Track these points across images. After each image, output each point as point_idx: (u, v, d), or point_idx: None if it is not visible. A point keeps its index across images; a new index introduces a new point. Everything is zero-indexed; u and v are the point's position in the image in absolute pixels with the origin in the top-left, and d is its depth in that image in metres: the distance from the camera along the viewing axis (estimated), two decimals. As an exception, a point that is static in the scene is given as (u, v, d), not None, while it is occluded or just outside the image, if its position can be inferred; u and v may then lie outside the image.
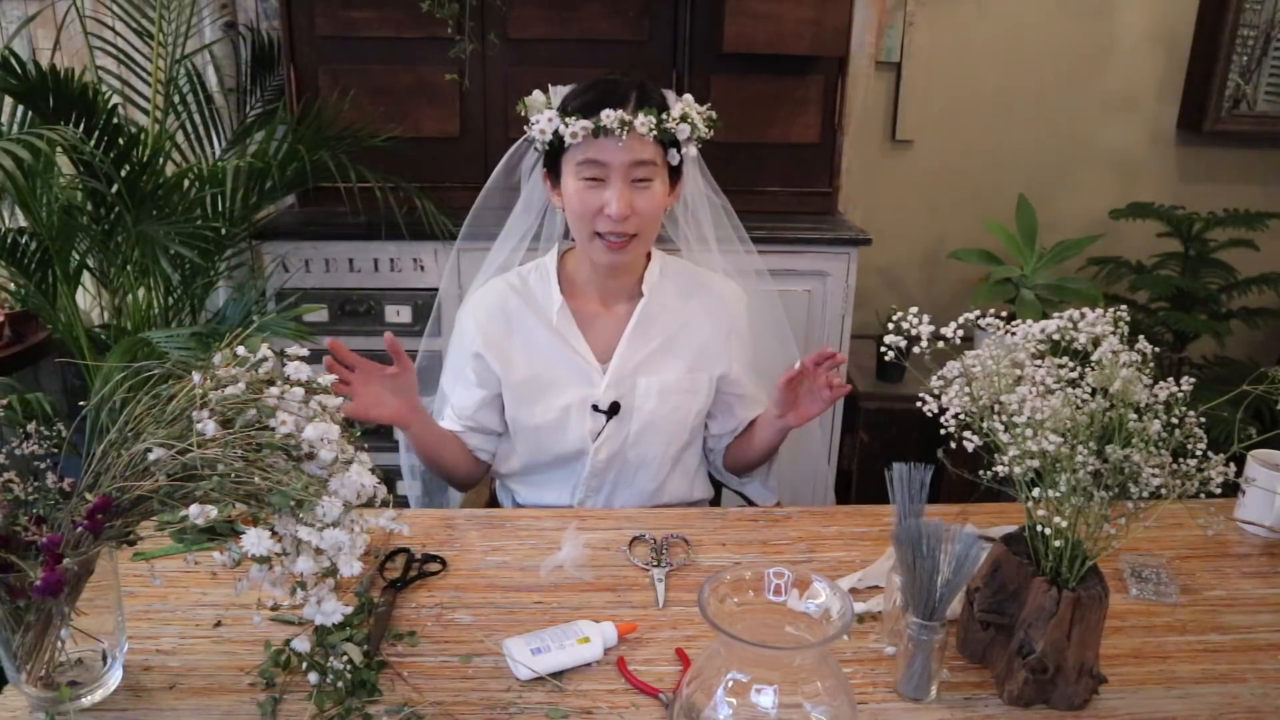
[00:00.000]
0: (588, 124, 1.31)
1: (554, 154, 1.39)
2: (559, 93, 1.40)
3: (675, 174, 1.42)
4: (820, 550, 1.31)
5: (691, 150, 1.40)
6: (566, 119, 1.33)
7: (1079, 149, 3.04)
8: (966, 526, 1.00)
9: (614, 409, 1.46)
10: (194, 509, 0.85)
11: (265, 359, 0.95)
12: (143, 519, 0.92)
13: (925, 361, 1.03)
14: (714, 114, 1.42)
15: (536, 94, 1.40)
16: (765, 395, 1.56)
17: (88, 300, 2.49)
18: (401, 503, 1.66)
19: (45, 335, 2.40)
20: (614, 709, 0.99)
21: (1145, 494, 0.94)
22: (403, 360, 1.34)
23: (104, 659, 0.99)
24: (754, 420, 1.55)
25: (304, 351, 0.97)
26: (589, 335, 1.48)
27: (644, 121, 1.32)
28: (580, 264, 1.49)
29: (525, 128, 1.41)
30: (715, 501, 1.72)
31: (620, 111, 1.31)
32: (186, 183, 2.26)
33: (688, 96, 1.40)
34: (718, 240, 1.57)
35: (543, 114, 1.36)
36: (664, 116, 1.34)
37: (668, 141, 1.36)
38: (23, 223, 2.17)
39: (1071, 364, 0.99)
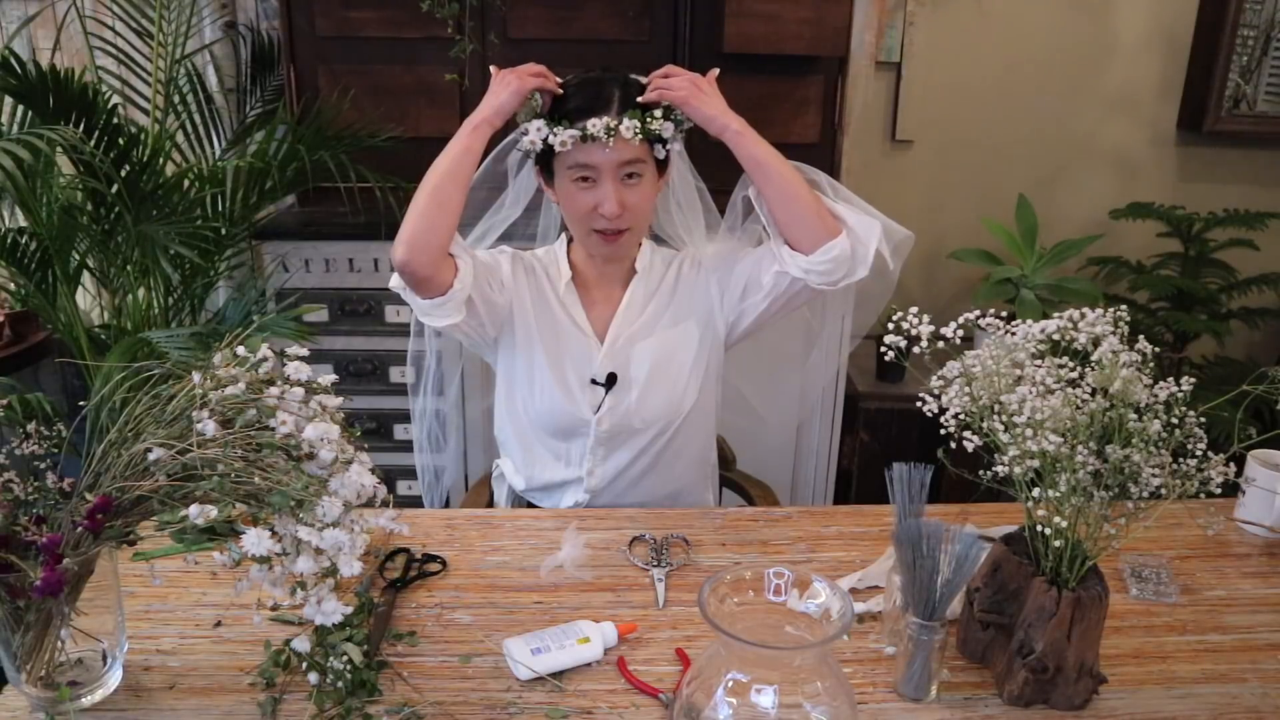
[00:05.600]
0: (575, 133, 1.35)
1: (545, 156, 1.43)
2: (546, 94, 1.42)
3: (662, 163, 1.46)
4: (820, 550, 1.31)
5: (676, 145, 1.44)
6: (554, 129, 1.37)
7: (1079, 149, 3.04)
8: (966, 526, 1.00)
9: (611, 380, 1.49)
10: (194, 509, 0.85)
11: (265, 359, 0.95)
12: (143, 519, 0.92)
13: (925, 361, 1.03)
14: None
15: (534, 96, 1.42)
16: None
17: (88, 300, 2.49)
18: (413, 502, 1.65)
19: (45, 335, 2.40)
20: (614, 709, 0.99)
21: (1145, 494, 0.94)
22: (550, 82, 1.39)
23: (104, 659, 0.99)
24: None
25: (304, 351, 0.97)
26: (589, 315, 1.53)
27: (629, 126, 1.35)
28: (580, 254, 1.54)
29: (518, 134, 1.43)
30: (724, 482, 1.73)
31: (605, 118, 1.35)
32: (186, 183, 2.26)
33: None
34: (707, 226, 1.58)
35: (531, 123, 1.39)
36: (647, 118, 1.37)
37: (653, 139, 1.40)
38: (23, 223, 2.17)
39: (1071, 364, 0.99)
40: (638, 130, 1.35)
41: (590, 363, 1.50)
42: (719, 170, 1.58)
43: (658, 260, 1.56)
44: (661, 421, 1.51)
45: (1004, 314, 1.05)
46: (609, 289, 1.54)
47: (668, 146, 1.42)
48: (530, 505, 1.58)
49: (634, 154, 1.38)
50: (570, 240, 1.55)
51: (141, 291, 2.22)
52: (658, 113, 1.38)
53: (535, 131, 1.38)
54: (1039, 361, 1.00)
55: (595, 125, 1.34)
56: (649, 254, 1.54)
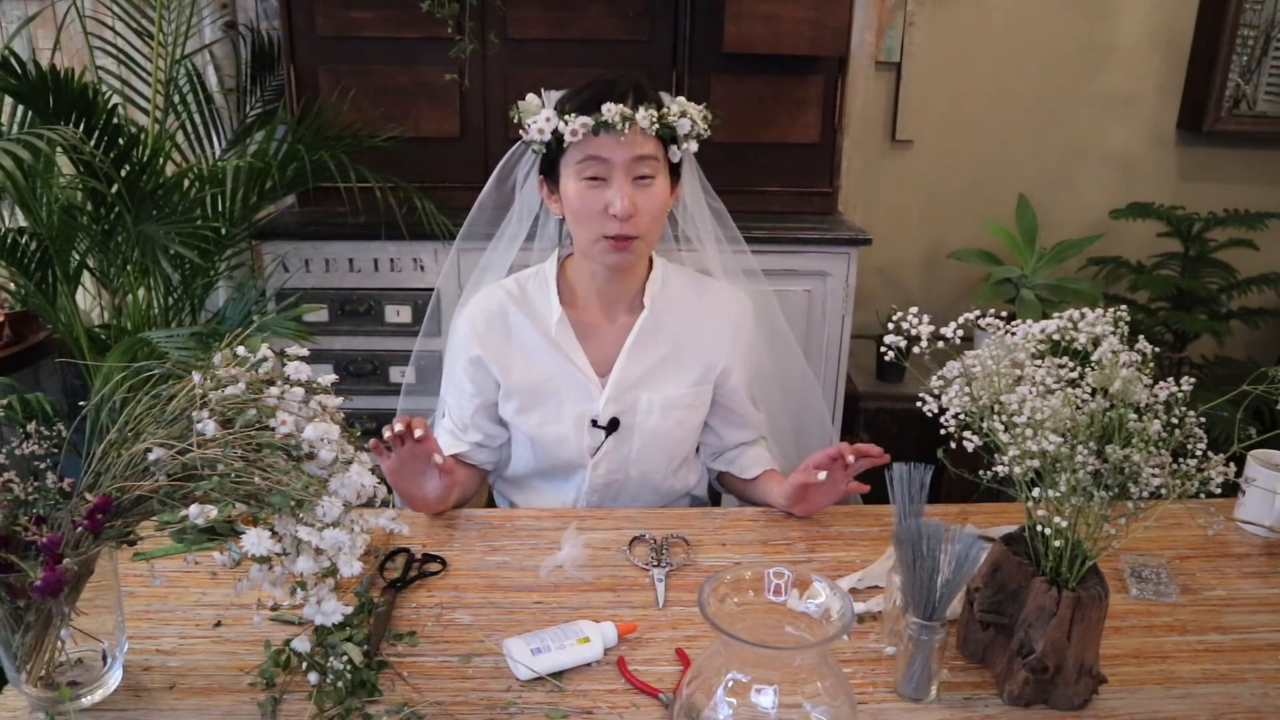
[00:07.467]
0: (588, 120, 1.29)
1: (551, 157, 1.37)
2: (552, 97, 1.37)
3: (675, 173, 1.40)
4: (820, 550, 1.31)
5: (692, 145, 1.37)
6: (565, 117, 1.30)
7: (1079, 149, 3.04)
8: (966, 526, 1.00)
9: (613, 425, 1.44)
10: (194, 509, 0.85)
11: (265, 359, 0.95)
12: (143, 519, 0.92)
13: (925, 361, 1.03)
14: (709, 113, 1.40)
15: (530, 98, 1.37)
16: (760, 419, 1.55)
17: (88, 300, 2.49)
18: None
19: (45, 335, 2.40)
20: (614, 709, 0.99)
21: (1145, 494, 0.94)
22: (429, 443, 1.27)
23: (104, 659, 0.99)
24: (760, 476, 1.51)
25: (304, 351, 0.97)
26: (588, 347, 1.44)
27: (645, 115, 1.29)
28: (581, 272, 1.45)
29: (521, 132, 1.38)
30: (715, 502, 1.72)
31: (621, 106, 1.29)
32: (186, 183, 2.26)
33: (681, 99, 1.38)
34: (716, 241, 1.55)
35: (539, 114, 1.33)
36: (664, 110, 1.32)
37: (668, 137, 1.34)
38: (23, 223, 2.17)
39: (1071, 364, 0.99)
40: (655, 119, 1.29)
41: (590, 402, 1.44)
42: (720, 173, 1.58)
43: (671, 294, 1.46)
44: (658, 475, 1.50)
45: (1004, 314, 1.05)
46: (613, 315, 1.45)
47: (682, 147, 1.36)
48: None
49: (648, 150, 1.31)
50: (564, 258, 1.48)
51: (141, 291, 2.22)
52: (674, 108, 1.33)
53: (544, 120, 1.30)
54: (1039, 361, 1.00)
55: (610, 111, 1.27)
56: (660, 283, 1.45)
